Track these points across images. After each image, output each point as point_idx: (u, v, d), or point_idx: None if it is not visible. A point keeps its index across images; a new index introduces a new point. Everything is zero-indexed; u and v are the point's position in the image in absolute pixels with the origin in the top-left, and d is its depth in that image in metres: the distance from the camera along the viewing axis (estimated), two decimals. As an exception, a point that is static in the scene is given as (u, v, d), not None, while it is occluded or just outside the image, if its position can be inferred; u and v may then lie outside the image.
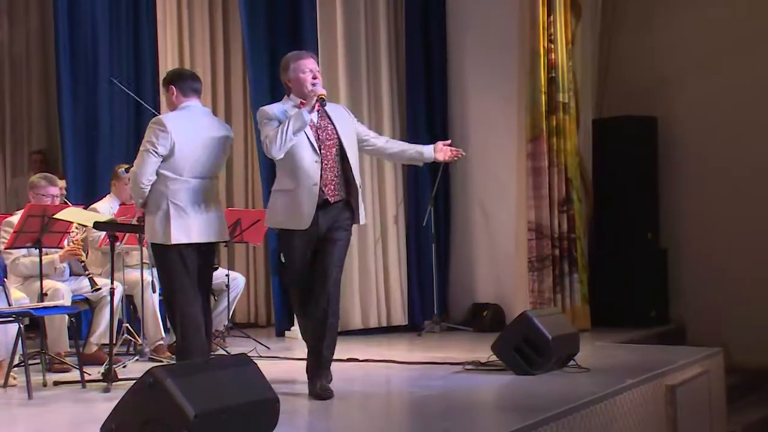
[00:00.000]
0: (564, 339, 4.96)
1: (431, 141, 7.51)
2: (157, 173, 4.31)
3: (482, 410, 4.26)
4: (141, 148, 4.34)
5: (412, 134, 7.51)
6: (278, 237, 4.52)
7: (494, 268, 7.44)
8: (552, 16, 7.01)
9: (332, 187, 4.39)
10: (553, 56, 7.01)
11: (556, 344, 4.84)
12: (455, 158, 4.75)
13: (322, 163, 4.36)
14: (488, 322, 7.11)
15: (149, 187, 4.33)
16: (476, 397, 4.48)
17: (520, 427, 3.48)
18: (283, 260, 4.54)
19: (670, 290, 7.70)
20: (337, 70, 7.10)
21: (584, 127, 7.38)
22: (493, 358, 5.00)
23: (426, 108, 7.59)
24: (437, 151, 4.70)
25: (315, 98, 4.29)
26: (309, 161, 4.34)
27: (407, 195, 7.49)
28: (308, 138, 4.36)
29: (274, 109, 4.41)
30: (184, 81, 4.51)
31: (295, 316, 4.81)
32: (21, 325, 4.68)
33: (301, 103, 4.37)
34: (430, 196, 7.33)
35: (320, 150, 4.37)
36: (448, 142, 4.84)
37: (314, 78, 4.38)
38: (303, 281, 4.42)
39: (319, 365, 4.36)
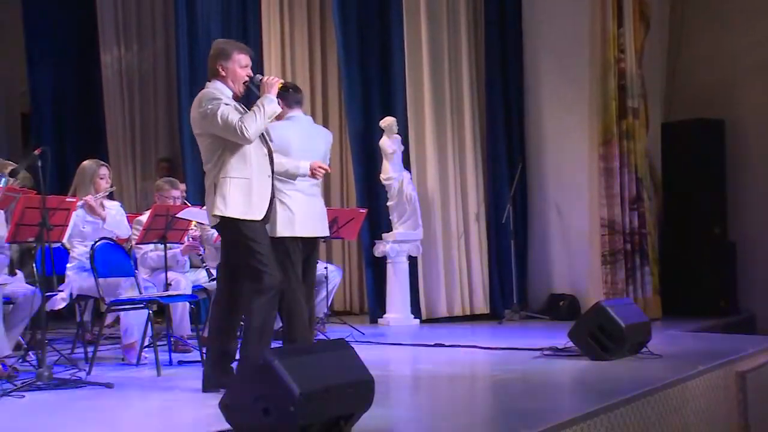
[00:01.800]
0: (637, 327, 4.82)
1: (509, 145, 7.54)
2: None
3: (560, 392, 4.17)
4: None
5: (491, 139, 7.44)
6: (226, 227, 3.90)
7: (569, 261, 7.30)
8: (622, 28, 6.86)
9: (271, 180, 4.04)
10: (623, 65, 6.88)
11: (629, 332, 4.70)
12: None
13: (268, 156, 4.03)
14: (564, 311, 6.99)
15: None
16: (554, 380, 4.38)
17: (597, 408, 3.39)
18: (255, 249, 3.87)
19: (739, 281, 7.43)
20: (423, 84, 7.11)
21: (653, 130, 7.22)
22: (570, 344, 4.90)
23: (504, 116, 7.48)
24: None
25: (277, 87, 3.95)
26: (261, 152, 3.99)
27: (487, 195, 7.41)
28: None
29: (216, 94, 3.93)
30: (288, 94, 4.48)
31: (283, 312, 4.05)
32: (150, 311, 4.82)
33: (235, 96, 3.98)
34: (509, 196, 7.23)
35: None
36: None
37: (247, 75, 4.01)
38: (274, 262, 3.93)
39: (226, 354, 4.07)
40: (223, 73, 3.98)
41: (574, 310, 6.95)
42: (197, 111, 3.93)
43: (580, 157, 7.15)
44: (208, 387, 4.01)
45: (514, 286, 7.21)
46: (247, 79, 3.99)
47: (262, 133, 3.99)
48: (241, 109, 3.95)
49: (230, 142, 3.87)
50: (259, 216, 3.93)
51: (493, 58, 7.44)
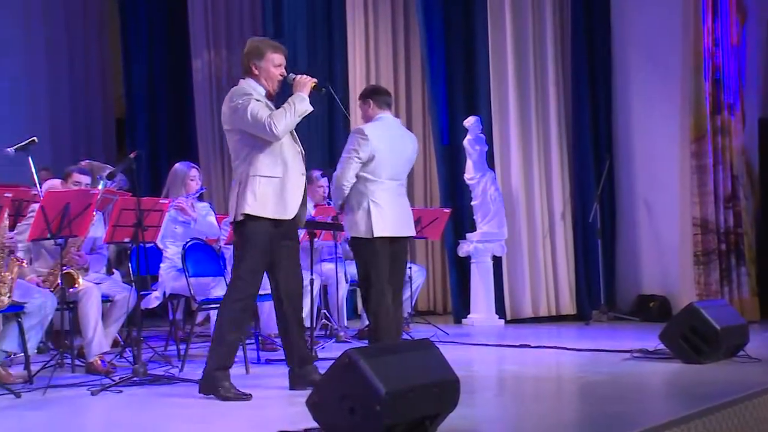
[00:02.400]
0: (733, 330, 4.64)
1: (595, 142, 7.37)
2: (358, 176, 4.38)
3: (651, 396, 4.05)
4: (344, 154, 4.41)
5: (577, 137, 7.29)
6: (246, 225, 3.88)
7: (660, 261, 7.09)
8: (717, 19, 6.61)
9: (305, 180, 4.04)
10: (717, 58, 6.61)
11: (725, 334, 4.53)
12: None
13: (301, 154, 4.03)
14: (655, 312, 6.79)
15: (348, 189, 4.40)
16: (645, 383, 4.27)
17: (691, 412, 3.28)
18: (245, 254, 3.90)
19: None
20: (507, 82, 7.03)
21: (750, 126, 6.92)
22: (661, 346, 4.75)
23: (591, 112, 7.32)
24: None
25: (310, 86, 3.93)
26: (294, 151, 3.99)
27: (573, 193, 7.27)
28: None
29: (248, 90, 3.95)
30: (380, 96, 4.53)
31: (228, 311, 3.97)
32: (238, 310, 4.91)
33: (269, 94, 3.98)
34: (596, 194, 7.08)
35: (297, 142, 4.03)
36: None
37: (281, 74, 3.99)
38: (260, 275, 3.93)
39: (298, 354, 4.09)
40: (256, 72, 3.98)
41: (665, 311, 6.74)
42: (227, 106, 3.96)
43: (670, 154, 6.94)
44: (295, 385, 4.08)
45: (601, 286, 7.06)
46: (281, 77, 4.00)
47: (294, 132, 4.01)
48: (272, 107, 3.95)
49: (259, 141, 3.89)
50: (290, 215, 3.92)
51: (579, 53, 7.29)
